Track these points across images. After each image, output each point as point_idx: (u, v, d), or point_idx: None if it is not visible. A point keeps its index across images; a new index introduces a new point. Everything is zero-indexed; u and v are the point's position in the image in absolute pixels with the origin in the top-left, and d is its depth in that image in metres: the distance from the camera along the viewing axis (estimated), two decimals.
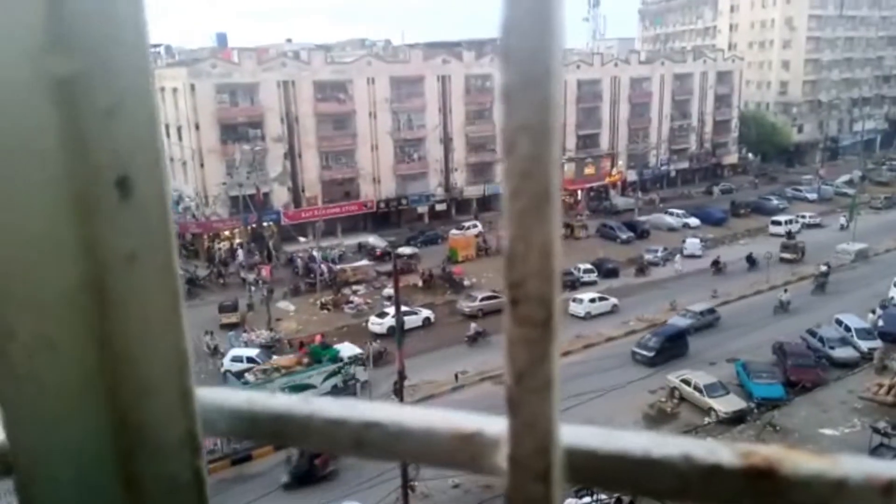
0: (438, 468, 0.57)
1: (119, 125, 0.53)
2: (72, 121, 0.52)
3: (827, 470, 0.47)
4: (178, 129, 50.50)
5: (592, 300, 39.71)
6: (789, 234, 52.69)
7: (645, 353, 33.31)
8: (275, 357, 32.30)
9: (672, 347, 33.69)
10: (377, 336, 35.56)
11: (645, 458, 0.50)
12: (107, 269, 0.55)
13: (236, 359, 31.85)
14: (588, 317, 38.58)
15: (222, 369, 31.36)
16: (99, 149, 0.53)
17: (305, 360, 31.01)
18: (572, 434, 0.51)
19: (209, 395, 0.61)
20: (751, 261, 46.54)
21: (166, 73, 50.08)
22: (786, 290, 40.55)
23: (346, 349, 32.02)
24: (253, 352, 32.66)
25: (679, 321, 36.71)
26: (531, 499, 0.50)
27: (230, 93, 51.29)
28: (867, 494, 0.46)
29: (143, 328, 0.57)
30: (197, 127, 49.34)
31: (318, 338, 34.43)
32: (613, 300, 40.41)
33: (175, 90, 49.52)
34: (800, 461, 0.47)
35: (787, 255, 47.94)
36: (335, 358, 30.91)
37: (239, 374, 30.29)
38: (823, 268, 43.25)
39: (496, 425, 0.53)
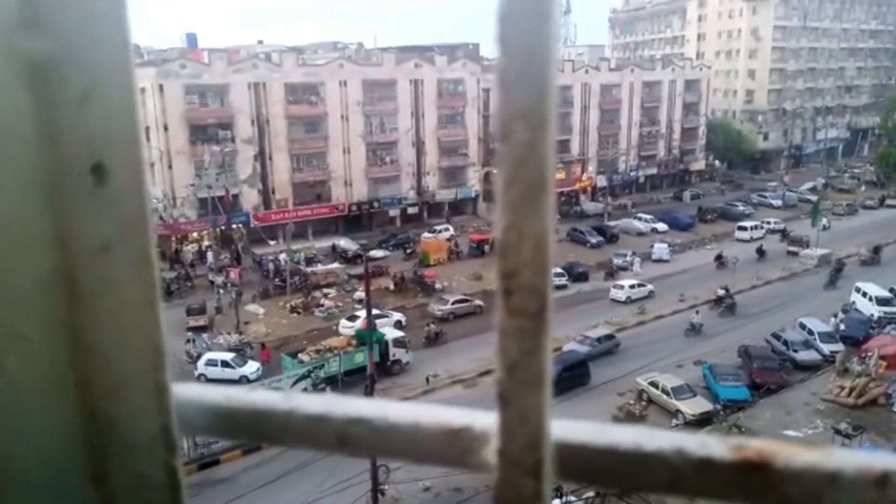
0: (426, 465, 0.55)
1: (94, 111, 0.51)
2: (45, 105, 0.50)
3: (820, 463, 0.46)
4: (147, 130, 49.65)
5: (632, 286, 42.65)
6: (784, 232, 56.10)
7: None
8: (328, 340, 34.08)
9: (571, 377, 30.31)
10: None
11: (636, 451, 0.49)
12: (79, 260, 0.53)
13: (211, 362, 31.77)
14: (629, 301, 41.26)
15: (196, 373, 31.04)
16: (73, 134, 0.51)
17: (354, 342, 33.22)
18: (562, 428, 0.50)
19: (186, 391, 0.59)
20: (760, 252, 50.44)
21: None
22: (697, 312, 38.51)
23: (390, 332, 33.86)
24: (228, 355, 32.62)
25: (578, 348, 33.56)
26: (521, 494, 0.49)
27: (200, 94, 50.61)
28: (860, 487, 0.45)
29: (116, 321, 0.55)
30: (165, 128, 48.64)
31: (362, 323, 34.84)
32: (650, 286, 42.88)
33: (143, 90, 48.77)
34: (793, 454, 0.47)
35: (793, 249, 51.91)
36: (381, 340, 32.49)
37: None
38: (721, 291, 41.18)
39: (485, 420, 0.52)
